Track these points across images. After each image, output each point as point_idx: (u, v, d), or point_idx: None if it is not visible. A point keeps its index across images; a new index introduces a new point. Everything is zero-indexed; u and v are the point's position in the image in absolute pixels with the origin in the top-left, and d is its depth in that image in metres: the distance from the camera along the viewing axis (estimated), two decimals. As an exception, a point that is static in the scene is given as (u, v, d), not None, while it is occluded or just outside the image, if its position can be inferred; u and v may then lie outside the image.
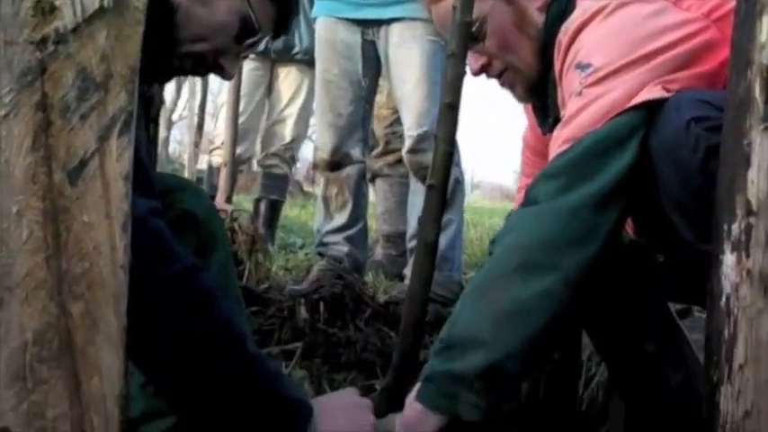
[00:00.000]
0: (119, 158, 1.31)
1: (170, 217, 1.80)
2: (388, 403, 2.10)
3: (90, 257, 1.30)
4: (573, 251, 2.01)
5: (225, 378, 1.64)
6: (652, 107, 2.04)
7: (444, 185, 2.28)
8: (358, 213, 4.77)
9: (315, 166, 4.84)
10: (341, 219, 4.72)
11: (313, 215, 5.99)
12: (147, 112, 2.64)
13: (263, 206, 6.37)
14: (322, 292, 3.18)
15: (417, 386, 2.07)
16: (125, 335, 1.35)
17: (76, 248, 1.29)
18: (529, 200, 2.13)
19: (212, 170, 6.75)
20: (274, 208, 6.47)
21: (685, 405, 2.43)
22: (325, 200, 4.77)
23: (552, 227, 2.03)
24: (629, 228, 2.40)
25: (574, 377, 3.05)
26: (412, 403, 2.05)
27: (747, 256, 1.70)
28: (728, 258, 1.73)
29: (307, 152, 12.50)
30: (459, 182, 4.71)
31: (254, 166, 13.10)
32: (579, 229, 2.03)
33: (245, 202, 6.69)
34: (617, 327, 2.54)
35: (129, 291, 1.38)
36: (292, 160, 6.68)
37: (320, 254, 4.74)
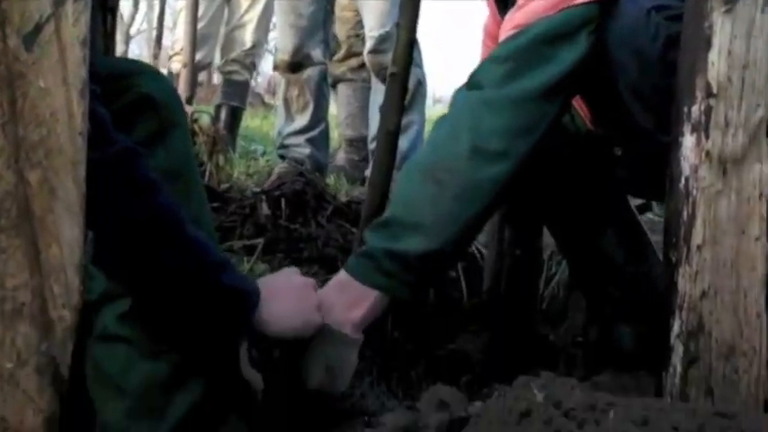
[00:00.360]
0: (75, 23, 1.29)
1: (127, 100, 1.76)
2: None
3: (47, 124, 1.28)
4: (521, 140, 2.03)
5: (168, 267, 1.62)
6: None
7: (406, 74, 2.27)
8: (319, 115, 4.74)
9: (275, 67, 4.79)
10: (302, 120, 4.69)
11: (274, 126, 5.94)
12: (104, 3, 2.60)
13: (223, 112, 6.29)
14: (283, 189, 3.17)
15: (349, 262, 2.07)
16: (84, 203, 1.33)
17: (33, 115, 1.27)
18: (473, 83, 2.11)
19: (172, 76, 6.66)
20: (235, 115, 6.40)
21: (645, 296, 2.47)
22: (286, 102, 4.73)
23: (501, 115, 2.03)
24: (586, 119, 2.40)
25: (535, 275, 3.07)
26: (341, 280, 2.05)
27: (707, 137, 1.71)
28: (688, 140, 1.74)
29: (267, 65, 12.36)
30: (421, 83, 4.68)
31: (215, 79, 12.98)
32: (527, 120, 2.04)
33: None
34: (577, 221, 2.56)
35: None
36: (253, 66, 6.59)
37: (281, 156, 4.72)
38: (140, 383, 1.66)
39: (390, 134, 2.19)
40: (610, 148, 2.40)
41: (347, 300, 2.00)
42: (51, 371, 1.34)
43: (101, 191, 1.45)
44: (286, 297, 1.82)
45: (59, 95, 1.28)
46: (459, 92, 2.14)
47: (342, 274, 2.05)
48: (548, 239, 3.39)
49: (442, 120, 2.14)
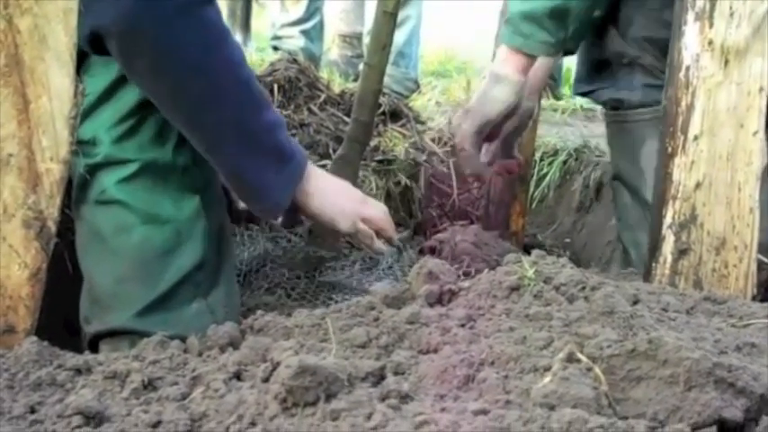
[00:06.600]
0: None
1: None
2: (342, 170, 2.10)
3: (38, -31, 1.24)
4: None
5: (231, 116, 1.68)
6: None
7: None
8: (315, 6, 4.67)
9: (271, -42, 4.71)
10: (296, 12, 4.63)
11: (266, 24, 5.83)
12: None
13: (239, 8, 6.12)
14: (276, 75, 3.12)
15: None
16: (75, 53, 1.30)
17: (24, -41, 1.23)
18: None
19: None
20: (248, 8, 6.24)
21: None
22: (281, -8, 4.66)
23: None
24: None
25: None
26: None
27: (710, 26, 1.68)
28: (691, 28, 1.71)
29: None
30: (418, -23, 4.62)
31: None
32: None
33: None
34: None
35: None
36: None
37: (275, 48, 4.66)
38: (135, 247, 1.65)
39: (387, 14, 2.14)
40: None
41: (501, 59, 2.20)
42: (38, 225, 1.32)
43: (176, 37, 1.56)
44: (335, 189, 1.89)
45: (52, -61, 1.24)
46: None
47: None
48: (539, 141, 3.39)
49: None
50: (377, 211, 1.93)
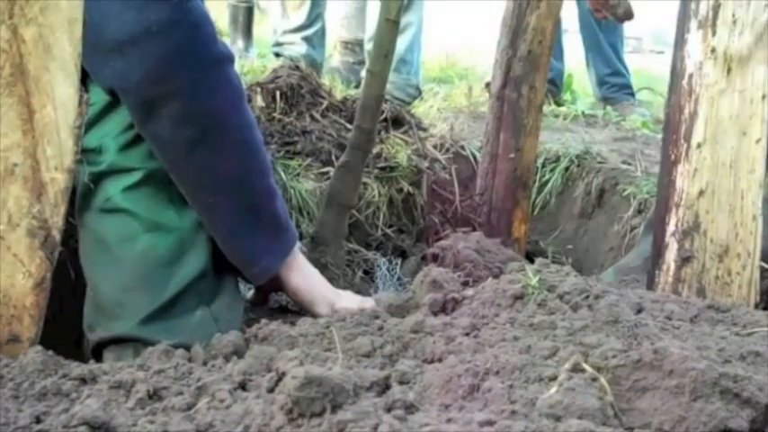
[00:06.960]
0: None
1: None
2: (345, 177, 2.10)
3: (43, -21, 1.24)
4: None
5: (238, 175, 1.71)
6: None
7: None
8: (316, 13, 4.67)
9: (272, -37, 4.71)
10: (298, 18, 4.63)
11: (268, 30, 5.83)
12: None
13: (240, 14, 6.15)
14: (278, 82, 3.11)
15: None
16: (80, 63, 1.30)
17: (29, -31, 1.23)
18: None
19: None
20: (250, 15, 6.26)
21: None
22: (282, -2, 4.67)
23: None
24: None
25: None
26: None
27: (713, 33, 1.68)
28: (694, 36, 1.71)
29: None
30: (419, -16, 4.62)
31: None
32: None
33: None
34: None
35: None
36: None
37: (276, 54, 4.66)
38: (139, 255, 1.65)
39: (390, 22, 2.14)
40: None
41: None
42: (42, 234, 1.32)
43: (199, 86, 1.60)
44: (316, 273, 1.90)
45: (57, -51, 1.25)
46: None
47: None
48: (541, 147, 3.39)
49: None
50: (350, 302, 1.87)
